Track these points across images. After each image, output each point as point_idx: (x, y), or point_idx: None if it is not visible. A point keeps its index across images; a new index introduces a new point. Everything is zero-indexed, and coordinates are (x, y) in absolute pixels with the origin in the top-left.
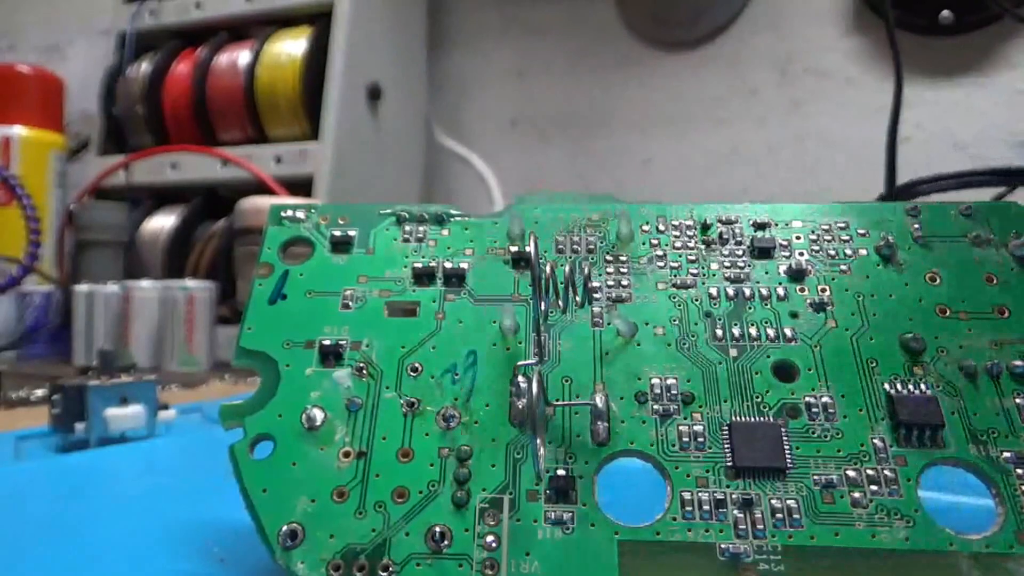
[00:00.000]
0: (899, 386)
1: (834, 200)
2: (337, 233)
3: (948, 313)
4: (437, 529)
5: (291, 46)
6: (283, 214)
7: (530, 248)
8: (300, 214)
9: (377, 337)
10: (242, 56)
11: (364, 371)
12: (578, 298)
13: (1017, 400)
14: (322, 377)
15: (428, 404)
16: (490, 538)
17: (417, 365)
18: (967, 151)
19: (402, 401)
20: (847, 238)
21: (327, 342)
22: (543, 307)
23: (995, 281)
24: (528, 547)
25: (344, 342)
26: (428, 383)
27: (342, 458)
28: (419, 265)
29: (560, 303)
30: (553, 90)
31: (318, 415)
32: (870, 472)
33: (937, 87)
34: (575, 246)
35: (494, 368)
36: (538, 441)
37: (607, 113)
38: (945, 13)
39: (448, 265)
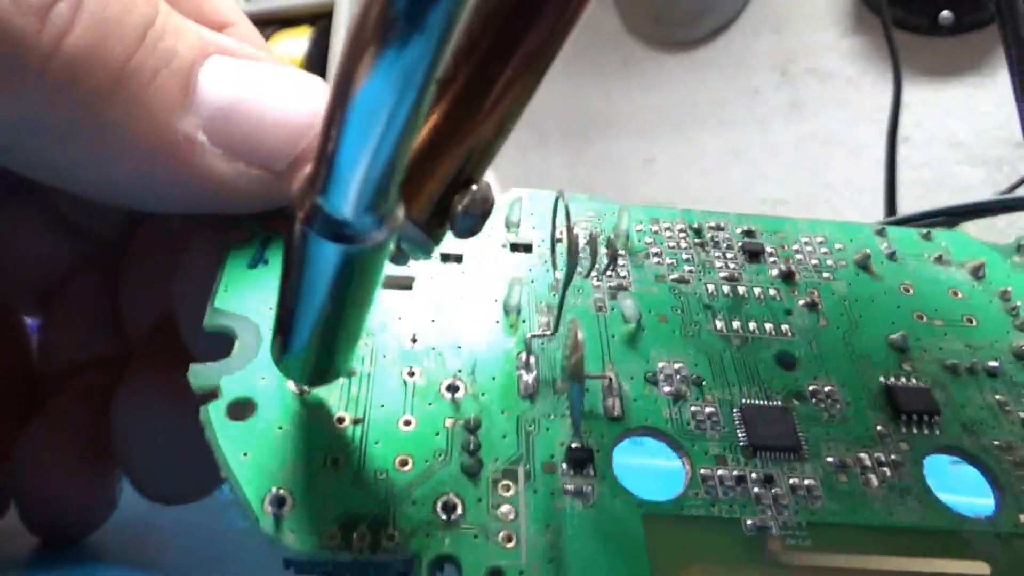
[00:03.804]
0: (893, 379)
1: (833, 200)
2: None
3: (925, 319)
4: (448, 498)
5: (291, 46)
6: None
7: (560, 216)
8: None
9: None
10: None
11: None
12: (600, 265)
13: (997, 396)
14: None
15: (430, 375)
16: (506, 508)
17: (415, 336)
18: (967, 150)
19: (402, 369)
20: (826, 251)
21: None
22: (566, 273)
23: (959, 295)
24: (548, 519)
25: None
26: (429, 354)
27: (336, 424)
28: None
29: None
30: (553, 92)
31: None
32: (879, 456)
33: (937, 87)
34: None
35: (498, 344)
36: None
37: (608, 115)
38: (945, 13)
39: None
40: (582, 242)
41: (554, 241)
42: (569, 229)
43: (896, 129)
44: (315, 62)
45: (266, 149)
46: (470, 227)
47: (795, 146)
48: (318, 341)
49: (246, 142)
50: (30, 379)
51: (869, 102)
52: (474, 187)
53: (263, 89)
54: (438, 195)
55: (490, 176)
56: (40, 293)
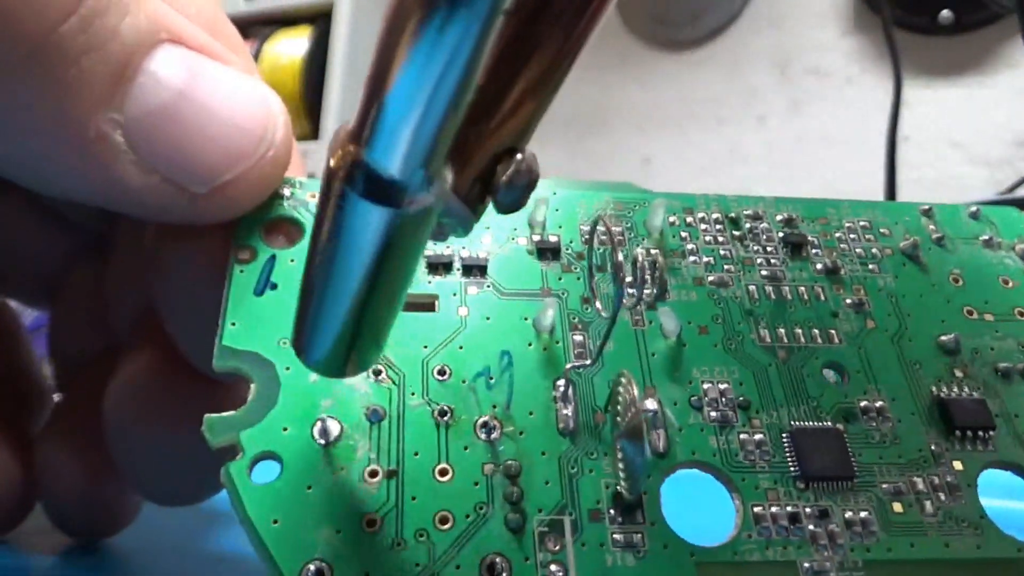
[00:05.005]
0: (945, 389)
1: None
2: None
3: (975, 315)
4: (493, 559)
5: (291, 46)
6: None
7: (601, 229)
8: (284, 190)
9: (392, 334)
10: None
11: (383, 374)
12: (653, 290)
13: None
14: (332, 382)
15: (463, 413)
16: (554, 567)
17: (444, 368)
18: (967, 150)
19: (432, 409)
20: (871, 237)
21: None
22: (621, 301)
23: (1010, 284)
24: (599, 575)
25: None
26: (460, 388)
27: (368, 478)
28: (431, 252)
29: (632, 292)
30: None
31: (334, 427)
32: (933, 479)
33: (937, 87)
34: (602, 236)
35: (533, 371)
36: (645, 450)
37: (607, 112)
38: (945, 13)
39: (466, 253)
40: (625, 260)
41: (592, 268)
42: (616, 267)
43: (896, 129)
44: (315, 61)
45: (189, 169)
46: (515, 200)
47: (794, 145)
48: (351, 325)
49: (170, 156)
50: (33, 379)
51: (869, 102)
52: (519, 156)
53: (209, 99)
54: (482, 164)
55: None
56: (44, 286)
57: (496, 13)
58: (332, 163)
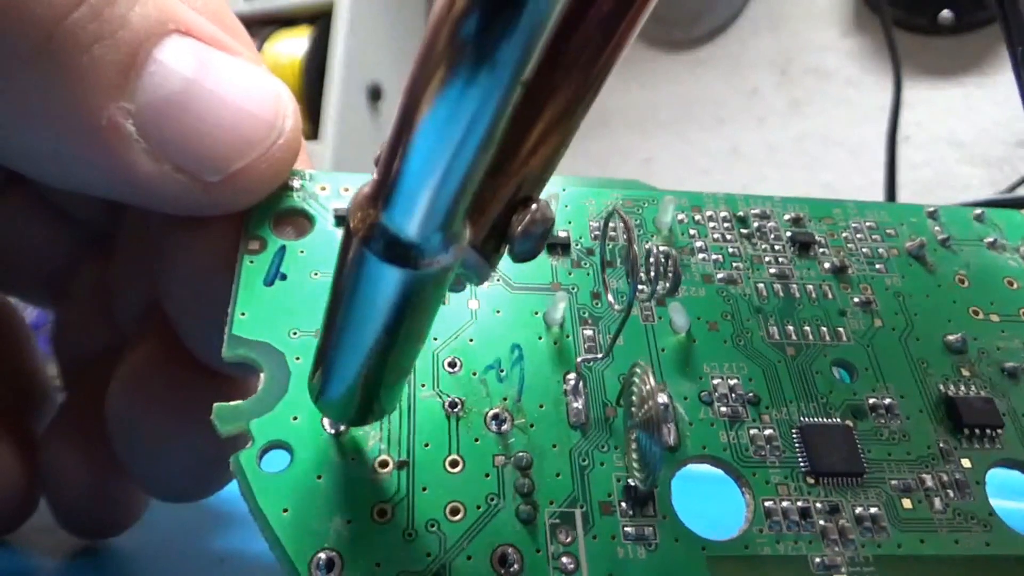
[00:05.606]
0: (952, 387)
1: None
2: (341, 205)
3: (981, 315)
4: (504, 550)
5: (291, 46)
6: None
7: (619, 224)
8: (293, 182)
9: None
10: None
11: None
12: (667, 284)
13: None
14: None
15: (473, 405)
16: (566, 559)
17: (455, 360)
18: (967, 150)
19: (443, 401)
20: (877, 238)
21: None
22: (634, 293)
23: (1015, 285)
24: (611, 568)
25: None
26: (470, 380)
27: (379, 469)
28: None
29: (643, 288)
30: None
31: None
32: (942, 476)
33: (937, 87)
34: (611, 232)
35: (543, 364)
36: (659, 441)
37: (607, 113)
38: (945, 13)
39: None
40: (644, 255)
41: (603, 262)
42: (632, 259)
43: (896, 129)
44: (315, 62)
45: (201, 156)
46: (530, 249)
47: (794, 145)
48: (367, 377)
49: (180, 144)
50: (37, 377)
51: (869, 102)
52: (533, 206)
53: (219, 87)
54: (497, 215)
55: None
56: (49, 284)
57: (516, 82)
58: (352, 224)
